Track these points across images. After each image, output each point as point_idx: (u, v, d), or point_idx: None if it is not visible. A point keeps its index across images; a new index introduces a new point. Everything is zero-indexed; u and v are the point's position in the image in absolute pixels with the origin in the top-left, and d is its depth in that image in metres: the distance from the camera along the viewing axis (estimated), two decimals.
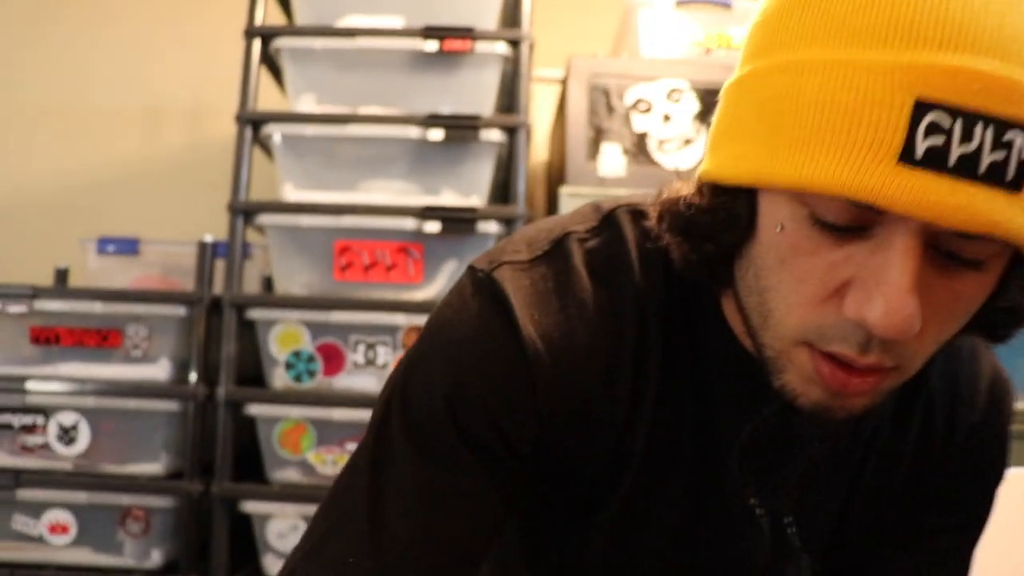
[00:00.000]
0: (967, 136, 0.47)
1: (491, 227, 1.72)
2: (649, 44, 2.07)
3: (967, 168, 0.48)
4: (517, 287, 0.65)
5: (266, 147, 1.85)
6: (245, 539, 1.72)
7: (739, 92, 0.58)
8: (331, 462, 1.71)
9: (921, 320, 0.51)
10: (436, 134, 1.71)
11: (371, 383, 1.72)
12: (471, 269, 0.68)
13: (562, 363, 0.64)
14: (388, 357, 1.72)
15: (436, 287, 1.75)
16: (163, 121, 2.69)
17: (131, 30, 2.73)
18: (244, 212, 1.73)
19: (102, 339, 1.70)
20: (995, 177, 0.48)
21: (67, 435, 1.69)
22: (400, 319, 1.70)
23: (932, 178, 0.48)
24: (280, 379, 1.72)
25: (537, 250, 0.67)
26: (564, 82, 2.19)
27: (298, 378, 1.72)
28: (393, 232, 1.72)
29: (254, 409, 1.69)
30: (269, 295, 1.75)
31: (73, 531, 1.69)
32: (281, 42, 1.77)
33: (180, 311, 1.70)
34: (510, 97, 1.86)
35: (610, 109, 2.01)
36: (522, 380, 0.63)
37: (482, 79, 1.78)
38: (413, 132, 1.72)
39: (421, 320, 1.69)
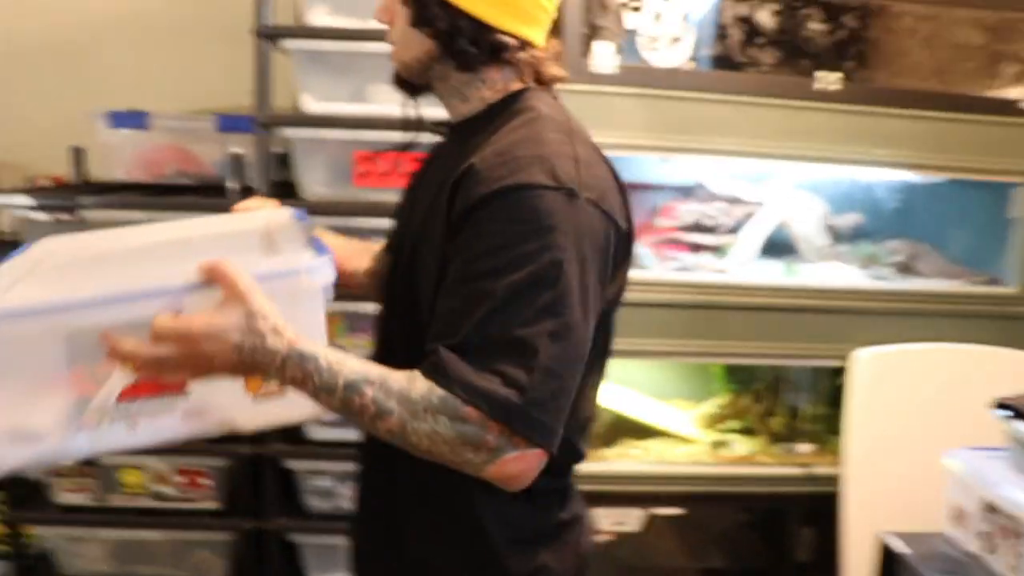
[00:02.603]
0: None
1: None
2: None
3: None
4: None
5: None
6: None
7: None
8: (360, 348, 1.98)
9: (386, 12, 1.10)
10: None
11: None
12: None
13: None
14: None
15: None
16: None
17: None
18: (267, 125, 1.87)
19: None
20: None
21: None
22: None
23: None
24: None
25: None
26: None
27: None
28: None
29: None
30: (300, 203, 1.93)
31: None
32: None
33: None
34: None
35: (603, 6, 2.11)
36: None
37: None
38: None
39: None
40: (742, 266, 2.35)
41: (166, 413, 1.02)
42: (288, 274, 1.01)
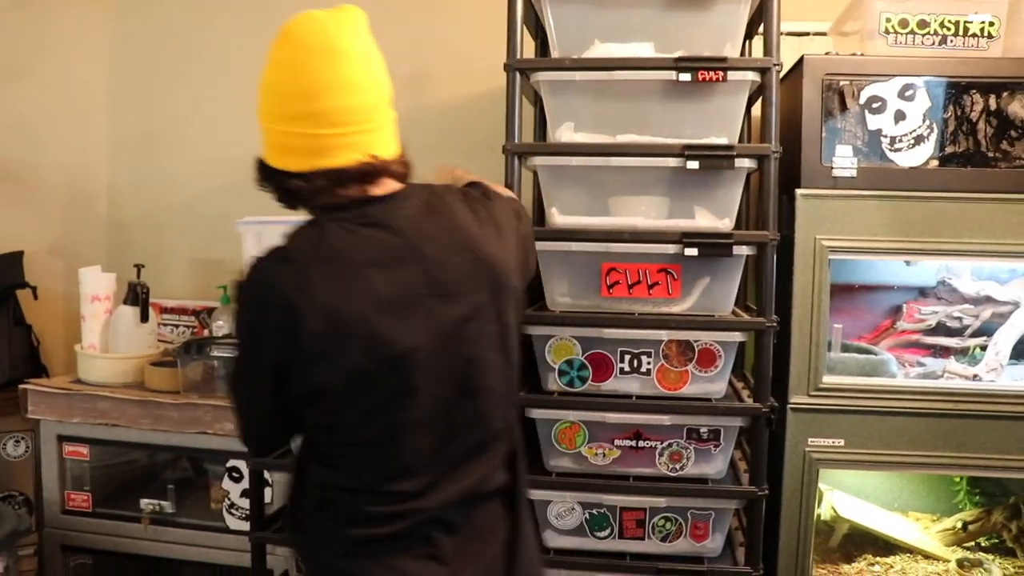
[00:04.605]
0: None
1: (743, 249, 1.85)
2: (882, 33, 2.07)
3: None
4: None
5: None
6: None
7: None
8: (601, 455, 1.95)
9: None
10: (692, 164, 1.83)
11: (635, 387, 1.93)
12: None
13: None
14: (650, 365, 1.92)
15: (691, 301, 1.92)
16: (430, 84, 2.78)
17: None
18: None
19: None
20: None
21: None
22: (663, 333, 1.89)
23: None
24: (554, 384, 1.95)
25: None
26: (787, 77, 2.23)
27: (570, 383, 1.95)
28: (655, 255, 1.88)
29: (535, 413, 1.93)
30: (549, 314, 1.95)
31: None
32: (541, 75, 1.89)
33: None
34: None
35: (843, 108, 2.06)
36: None
37: (732, 106, 1.87)
38: (671, 161, 1.84)
39: (681, 334, 1.88)
40: (994, 371, 2.19)
41: None
42: None
